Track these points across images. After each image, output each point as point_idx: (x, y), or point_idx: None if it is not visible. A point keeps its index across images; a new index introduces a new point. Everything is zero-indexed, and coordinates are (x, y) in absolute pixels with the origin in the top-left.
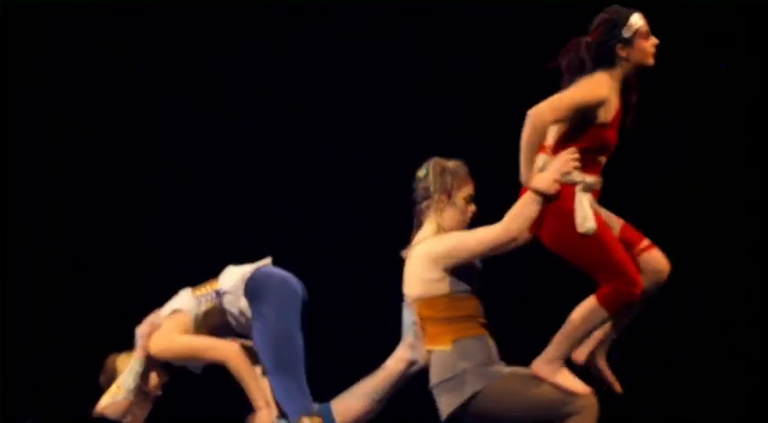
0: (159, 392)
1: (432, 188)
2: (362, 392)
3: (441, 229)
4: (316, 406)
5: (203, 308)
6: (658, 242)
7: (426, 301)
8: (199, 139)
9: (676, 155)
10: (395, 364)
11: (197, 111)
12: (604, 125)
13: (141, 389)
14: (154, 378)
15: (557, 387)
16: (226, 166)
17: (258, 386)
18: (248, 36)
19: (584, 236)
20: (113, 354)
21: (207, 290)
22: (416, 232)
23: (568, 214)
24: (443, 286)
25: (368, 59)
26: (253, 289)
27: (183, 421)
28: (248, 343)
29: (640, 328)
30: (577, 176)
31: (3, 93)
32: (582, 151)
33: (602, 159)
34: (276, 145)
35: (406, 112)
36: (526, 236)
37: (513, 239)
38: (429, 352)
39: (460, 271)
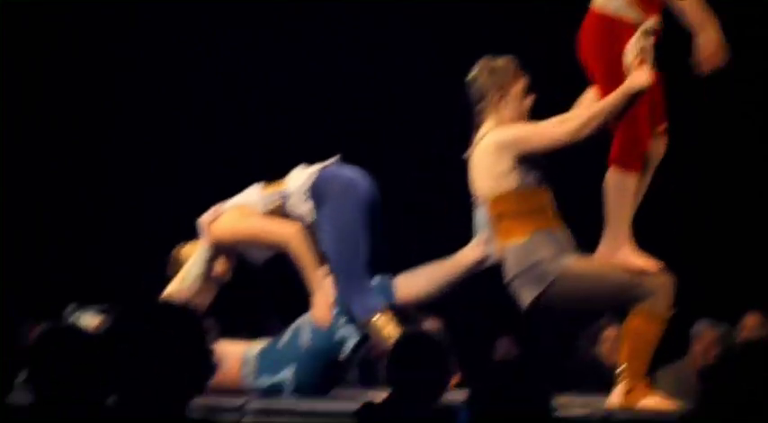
0: (227, 278)
1: (484, 89)
2: (428, 275)
3: (501, 125)
4: (377, 277)
5: (269, 208)
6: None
7: (497, 198)
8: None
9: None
10: (467, 255)
11: None
12: None
13: (207, 276)
14: (219, 265)
15: (629, 269)
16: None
17: (316, 270)
18: (247, 26)
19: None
20: (179, 245)
21: (274, 190)
22: (476, 134)
23: (614, 44)
24: (512, 180)
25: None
26: (317, 190)
27: None
28: None
29: None
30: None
31: None
32: None
33: None
34: None
35: None
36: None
37: (578, 141)
38: (503, 247)
39: (528, 163)
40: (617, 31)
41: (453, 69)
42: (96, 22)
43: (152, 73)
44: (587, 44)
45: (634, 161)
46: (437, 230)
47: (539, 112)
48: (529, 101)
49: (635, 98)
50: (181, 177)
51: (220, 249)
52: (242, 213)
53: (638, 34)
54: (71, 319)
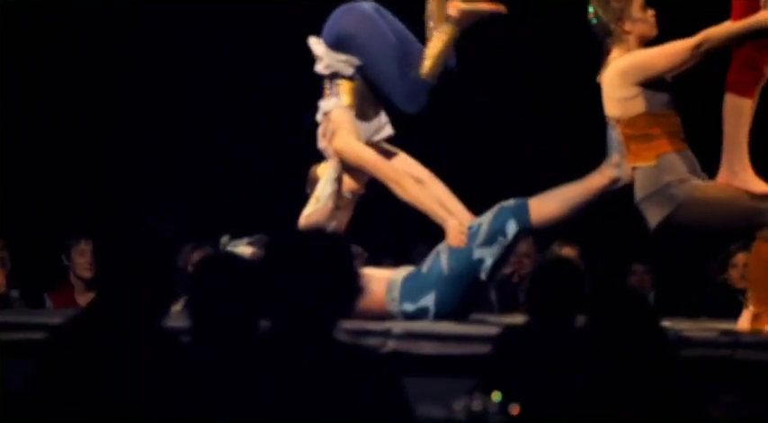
0: (362, 191)
1: (607, 24)
2: (562, 197)
3: (630, 49)
4: (512, 200)
5: (345, 96)
6: None
7: (627, 121)
8: None
9: None
10: (599, 177)
11: None
12: None
13: (339, 193)
14: (349, 180)
15: (751, 194)
16: None
17: (434, 205)
18: (247, 26)
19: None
20: (314, 164)
21: (326, 85)
22: (605, 61)
23: None
24: (640, 104)
25: None
26: (339, 43)
27: None
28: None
29: None
30: None
31: None
32: None
33: None
34: None
35: None
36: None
37: (702, 53)
38: (633, 169)
39: (654, 87)
40: None
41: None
42: (96, 22)
43: (152, 73)
44: None
45: (750, 87)
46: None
47: None
48: (651, 14)
49: (760, 33)
50: (181, 177)
51: (347, 166)
52: (344, 120)
53: None
54: (225, 249)
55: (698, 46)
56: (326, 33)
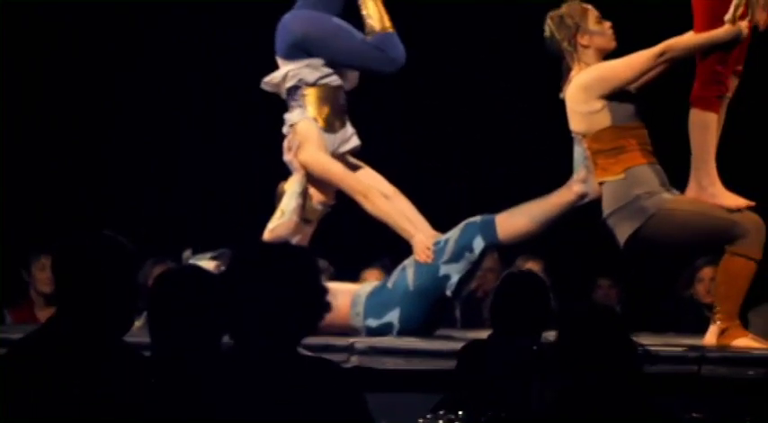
0: (332, 203)
1: (560, 42)
2: (529, 213)
3: (589, 63)
4: (479, 217)
5: (311, 107)
6: None
7: (593, 136)
8: None
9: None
10: (566, 193)
11: None
12: None
13: (305, 207)
14: (318, 193)
15: (721, 208)
16: None
17: (400, 220)
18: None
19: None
20: (282, 182)
21: (291, 96)
22: (566, 78)
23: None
24: (605, 118)
25: None
26: (297, 47)
27: None
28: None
29: None
30: None
31: None
32: None
33: None
34: None
35: None
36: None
37: (664, 62)
38: (601, 184)
39: (619, 100)
40: None
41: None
42: (96, 22)
43: (152, 73)
44: None
45: (715, 101)
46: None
47: None
48: (607, 26)
49: (722, 46)
50: (181, 178)
51: (312, 179)
52: (309, 131)
53: None
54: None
55: (660, 54)
56: (280, 48)
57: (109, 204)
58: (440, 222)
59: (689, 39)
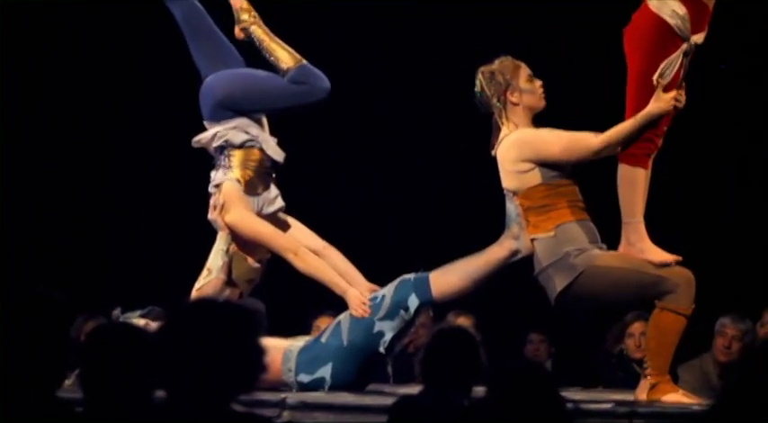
0: (268, 256)
1: (490, 97)
2: (462, 270)
3: (520, 120)
4: (413, 274)
5: (236, 168)
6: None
7: (524, 193)
8: None
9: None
10: (499, 250)
11: None
12: None
13: (251, 266)
14: (249, 253)
15: (652, 263)
16: None
17: (331, 273)
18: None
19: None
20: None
21: (218, 156)
22: (496, 135)
23: (657, 49)
24: (536, 176)
25: None
26: (220, 108)
27: None
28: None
29: None
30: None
31: None
32: None
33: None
34: None
35: None
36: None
37: (597, 157)
38: (533, 240)
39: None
40: (663, 36)
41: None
42: (97, 22)
43: (153, 73)
44: (633, 37)
45: (644, 158)
46: (470, 226)
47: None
48: (538, 85)
49: (656, 120)
50: (181, 179)
51: (237, 237)
52: (233, 192)
53: (678, 53)
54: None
55: (599, 152)
56: (205, 112)
57: (42, 259)
58: (376, 271)
59: (624, 129)
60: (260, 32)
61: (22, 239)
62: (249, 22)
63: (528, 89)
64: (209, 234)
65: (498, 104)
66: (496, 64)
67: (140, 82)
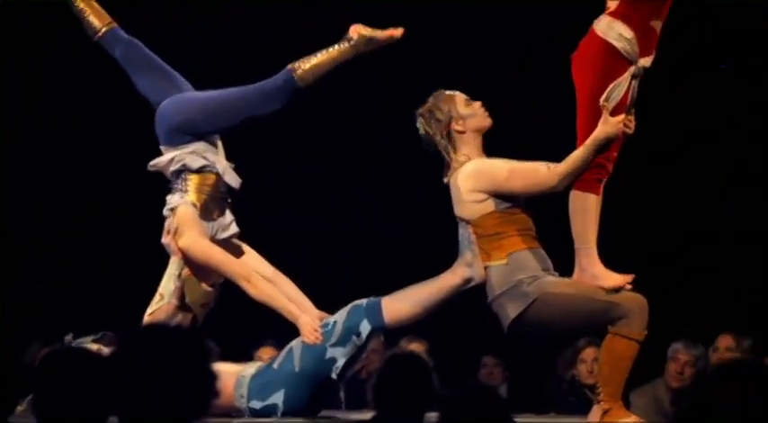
0: (220, 281)
1: (434, 136)
2: (415, 296)
3: (469, 158)
4: (365, 300)
5: (192, 193)
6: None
7: (477, 221)
8: None
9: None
10: (452, 277)
11: None
12: None
13: (204, 290)
14: (204, 277)
15: (604, 289)
16: None
17: (284, 300)
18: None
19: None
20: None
21: (174, 180)
22: (449, 167)
23: (605, 73)
24: (489, 205)
25: None
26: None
27: None
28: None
29: None
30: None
31: None
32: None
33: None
34: None
35: None
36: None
37: (557, 191)
38: (486, 268)
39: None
40: (611, 59)
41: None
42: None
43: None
44: (581, 63)
45: (595, 184)
46: (424, 251)
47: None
48: (478, 106)
49: (606, 145)
50: (63, 261)
51: (190, 262)
52: (187, 216)
53: (626, 76)
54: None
55: (558, 187)
56: (162, 137)
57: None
58: (326, 298)
59: (578, 159)
60: (340, 49)
61: (21, 240)
62: (353, 40)
63: (469, 114)
64: (163, 258)
65: (443, 141)
66: (431, 101)
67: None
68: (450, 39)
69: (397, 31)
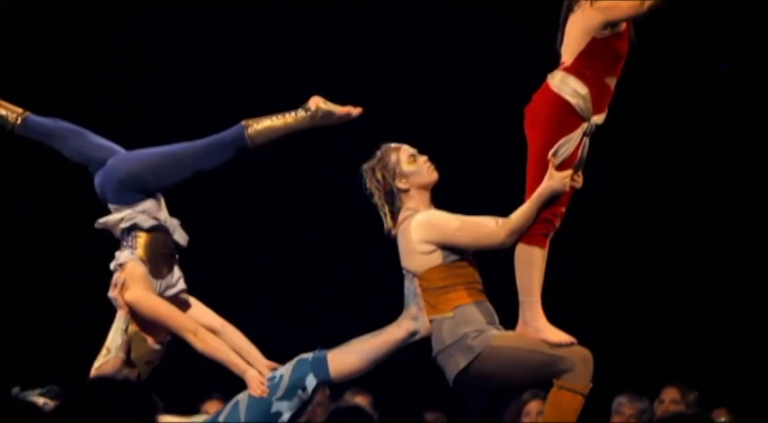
0: (168, 338)
1: (378, 191)
2: (360, 350)
3: (418, 208)
4: (311, 354)
5: (140, 249)
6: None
7: (423, 273)
8: None
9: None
10: (397, 330)
11: None
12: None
13: (152, 347)
14: (151, 333)
15: (547, 344)
16: None
17: (230, 354)
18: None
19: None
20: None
21: (124, 237)
22: (395, 219)
23: (557, 127)
24: (436, 257)
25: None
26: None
27: None
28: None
29: None
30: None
31: None
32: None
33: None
34: None
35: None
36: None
37: (505, 246)
38: (431, 321)
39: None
40: (563, 114)
41: None
42: (97, 22)
43: (153, 73)
44: (533, 116)
45: (541, 238)
46: (369, 304)
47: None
48: (423, 161)
49: (554, 199)
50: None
51: (142, 319)
52: (134, 272)
53: (578, 133)
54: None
55: (506, 243)
56: (110, 196)
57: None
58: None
59: (524, 214)
60: (297, 116)
61: (21, 240)
62: (311, 111)
63: (412, 171)
64: (110, 312)
65: (387, 198)
66: (376, 158)
67: (140, 82)
68: (400, 87)
69: (356, 110)
